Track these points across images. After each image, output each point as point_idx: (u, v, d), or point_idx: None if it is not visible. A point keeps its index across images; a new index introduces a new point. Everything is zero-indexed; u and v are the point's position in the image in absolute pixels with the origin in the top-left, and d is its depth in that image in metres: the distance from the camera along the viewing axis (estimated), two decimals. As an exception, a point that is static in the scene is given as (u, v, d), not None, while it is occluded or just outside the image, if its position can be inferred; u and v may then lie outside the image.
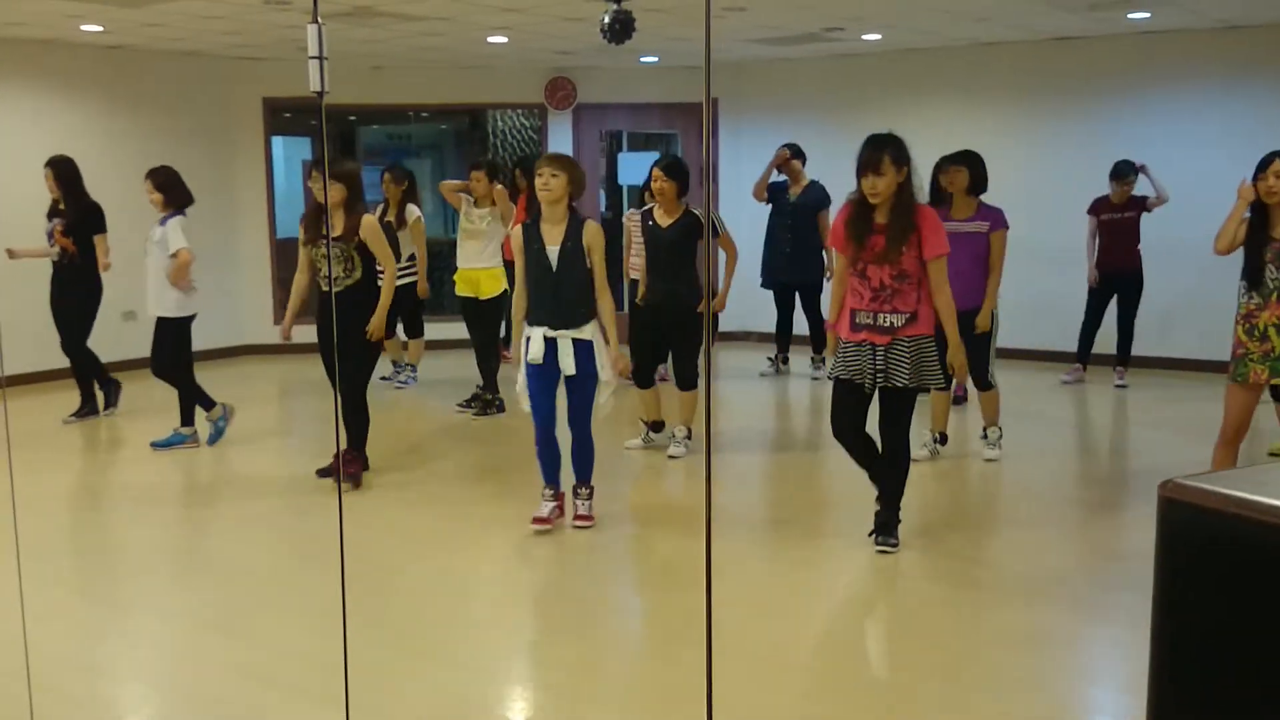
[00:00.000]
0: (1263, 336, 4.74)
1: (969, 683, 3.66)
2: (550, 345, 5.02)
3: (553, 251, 4.98)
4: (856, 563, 4.87)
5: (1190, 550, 1.44)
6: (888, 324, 4.65)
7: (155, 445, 6.87)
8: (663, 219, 6.50)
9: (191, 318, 6.81)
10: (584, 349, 5.02)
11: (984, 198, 6.31)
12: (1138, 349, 8.74)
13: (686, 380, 6.58)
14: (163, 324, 6.76)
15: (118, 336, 8.08)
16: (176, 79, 9.98)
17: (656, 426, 6.83)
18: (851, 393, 4.81)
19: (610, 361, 5.07)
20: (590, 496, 5.34)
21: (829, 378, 4.95)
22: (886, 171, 4.55)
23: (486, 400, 7.78)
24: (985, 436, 6.46)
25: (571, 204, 5.03)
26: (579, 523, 5.26)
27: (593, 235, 5.01)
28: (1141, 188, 8.48)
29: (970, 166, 6.20)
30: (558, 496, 5.24)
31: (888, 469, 4.90)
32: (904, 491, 4.92)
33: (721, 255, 7.00)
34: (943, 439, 6.51)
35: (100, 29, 8.43)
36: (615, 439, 6.81)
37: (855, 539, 5.01)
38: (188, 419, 6.93)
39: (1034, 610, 4.27)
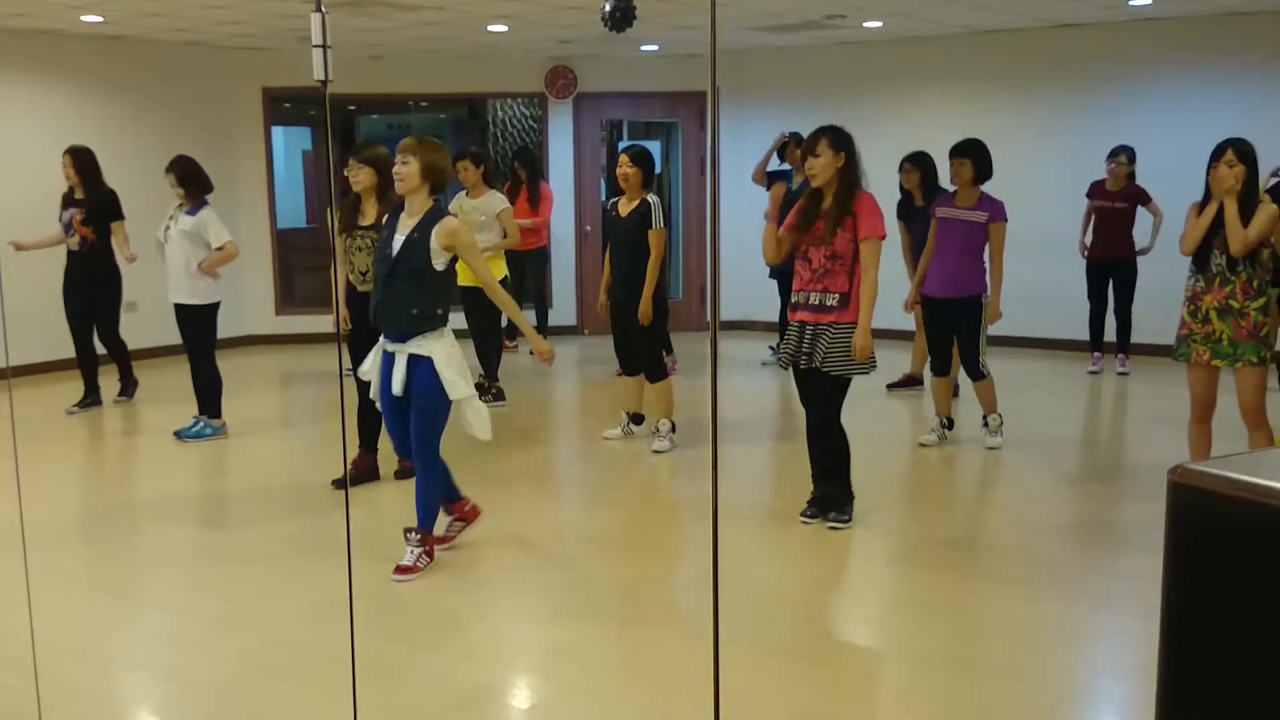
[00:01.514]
0: (1205, 319, 4.90)
1: (976, 673, 3.66)
2: (389, 361, 4.46)
3: (398, 241, 4.39)
4: (860, 553, 4.88)
5: (1200, 535, 1.44)
6: (818, 303, 4.85)
7: (181, 435, 6.83)
8: (624, 208, 6.35)
9: (218, 305, 6.82)
10: (423, 367, 4.36)
11: (988, 184, 6.31)
12: (1139, 336, 8.74)
13: (650, 373, 6.48)
14: (185, 311, 6.74)
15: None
16: (176, 69, 9.96)
17: (637, 418, 6.77)
18: (803, 384, 5.05)
19: (457, 376, 4.39)
20: (420, 544, 4.46)
21: (779, 365, 5.12)
22: (823, 153, 4.81)
23: (489, 389, 7.77)
24: (986, 425, 6.47)
25: (434, 195, 4.47)
26: (397, 576, 4.40)
27: (451, 234, 4.35)
28: (1145, 182, 8.45)
29: (974, 158, 6.19)
30: (424, 542, 4.49)
31: (819, 444, 5.04)
32: (849, 470, 5.04)
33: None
34: (949, 424, 6.52)
35: (100, 19, 8.41)
36: (595, 428, 6.81)
37: (859, 528, 5.01)
38: (213, 410, 6.91)
39: (1040, 600, 4.27)
